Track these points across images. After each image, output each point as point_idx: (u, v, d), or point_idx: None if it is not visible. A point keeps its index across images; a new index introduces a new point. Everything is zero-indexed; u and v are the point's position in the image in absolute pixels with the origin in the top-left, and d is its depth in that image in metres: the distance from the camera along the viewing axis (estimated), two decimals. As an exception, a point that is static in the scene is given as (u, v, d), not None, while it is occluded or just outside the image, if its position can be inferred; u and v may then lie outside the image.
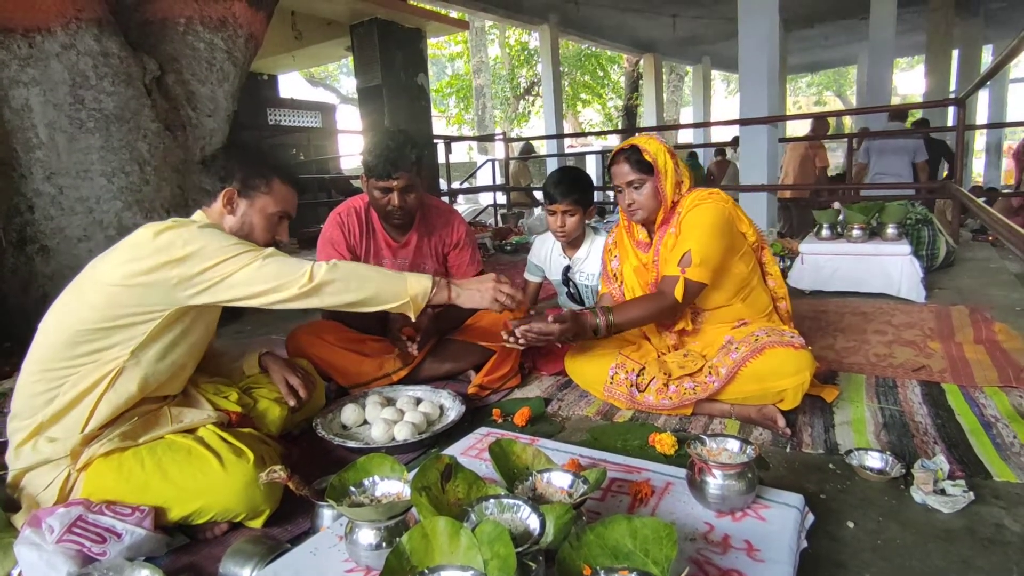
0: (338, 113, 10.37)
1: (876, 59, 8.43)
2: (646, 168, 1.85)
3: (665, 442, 1.61)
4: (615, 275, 2.11)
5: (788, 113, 12.25)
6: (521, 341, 1.72)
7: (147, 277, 1.29)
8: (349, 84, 20.01)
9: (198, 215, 1.52)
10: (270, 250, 1.39)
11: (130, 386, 1.33)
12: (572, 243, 2.40)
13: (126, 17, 3.15)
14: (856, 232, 3.49)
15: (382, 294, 1.44)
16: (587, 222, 2.39)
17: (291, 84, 20.25)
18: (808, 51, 13.56)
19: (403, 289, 1.46)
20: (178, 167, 3.17)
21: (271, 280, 1.33)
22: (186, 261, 1.30)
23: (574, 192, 2.27)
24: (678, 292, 1.78)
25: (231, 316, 3.62)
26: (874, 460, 1.49)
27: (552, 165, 10.73)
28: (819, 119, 7.02)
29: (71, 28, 2.79)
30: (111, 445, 1.29)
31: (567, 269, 2.43)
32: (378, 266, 1.48)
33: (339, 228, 2.17)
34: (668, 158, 1.87)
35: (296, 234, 7.73)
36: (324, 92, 19.80)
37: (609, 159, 1.95)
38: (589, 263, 2.39)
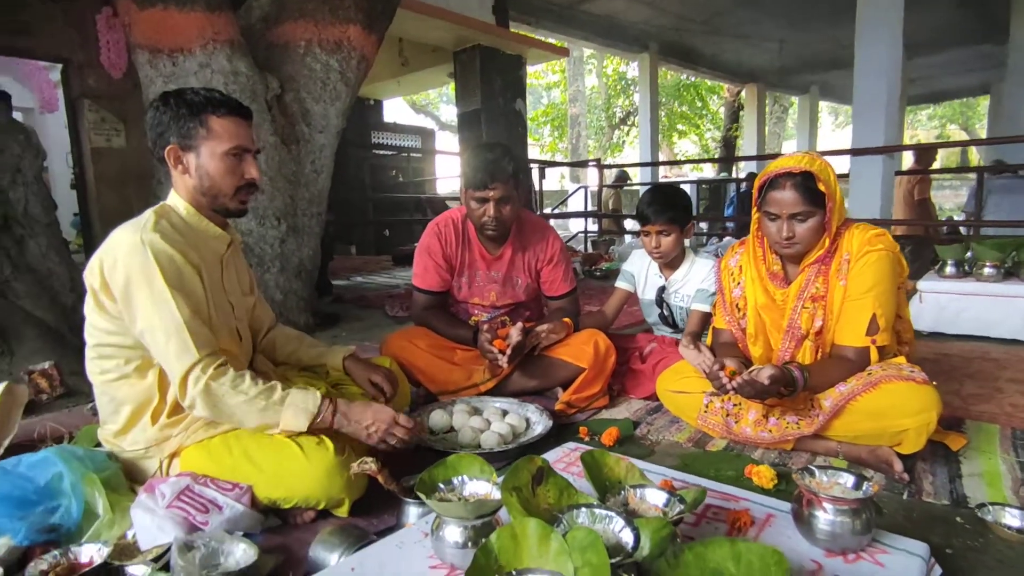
0: (437, 138, 10.79)
1: (1015, 89, 7.72)
2: (818, 200, 1.60)
3: (764, 475, 1.50)
4: (738, 306, 1.87)
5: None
6: (733, 384, 1.57)
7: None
8: (448, 112, 20.78)
9: (170, 195, 1.45)
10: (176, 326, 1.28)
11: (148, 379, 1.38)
12: (670, 264, 2.31)
13: (254, 40, 3.43)
14: (988, 270, 3.17)
15: (247, 424, 1.34)
16: (686, 241, 2.31)
17: (395, 109, 21.32)
18: (932, 79, 12.67)
19: (274, 424, 1.34)
20: (291, 179, 3.39)
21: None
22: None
23: (668, 211, 2.19)
24: (874, 362, 1.65)
25: (328, 323, 3.80)
26: (1013, 518, 1.33)
27: (646, 194, 10.56)
28: (924, 151, 6.57)
29: (208, 49, 3.07)
30: (197, 436, 1.37)
31: (662, 290, 2.35)
32: (263, 393, 1.32)
33: (436, 238, 2.22)
34: (838, 185, 1.64)
35: (391, 252, 8.06)
36: (424, 119, 20.67)
37: (764, 180, 1.66)
38: (687, 285, 2.29)
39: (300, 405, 1.34)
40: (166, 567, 1.08)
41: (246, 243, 3.22)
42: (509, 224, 2.16)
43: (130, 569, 1.10)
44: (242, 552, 1.11)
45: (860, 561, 1.06)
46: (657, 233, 2.22)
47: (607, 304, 2.52)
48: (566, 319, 2.21)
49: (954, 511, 1.41)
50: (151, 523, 1.14)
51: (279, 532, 1.32)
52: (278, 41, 3.44)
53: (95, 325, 1.36)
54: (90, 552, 1.13)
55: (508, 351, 1.97)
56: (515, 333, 2.00)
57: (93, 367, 1.40)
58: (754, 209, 1.74)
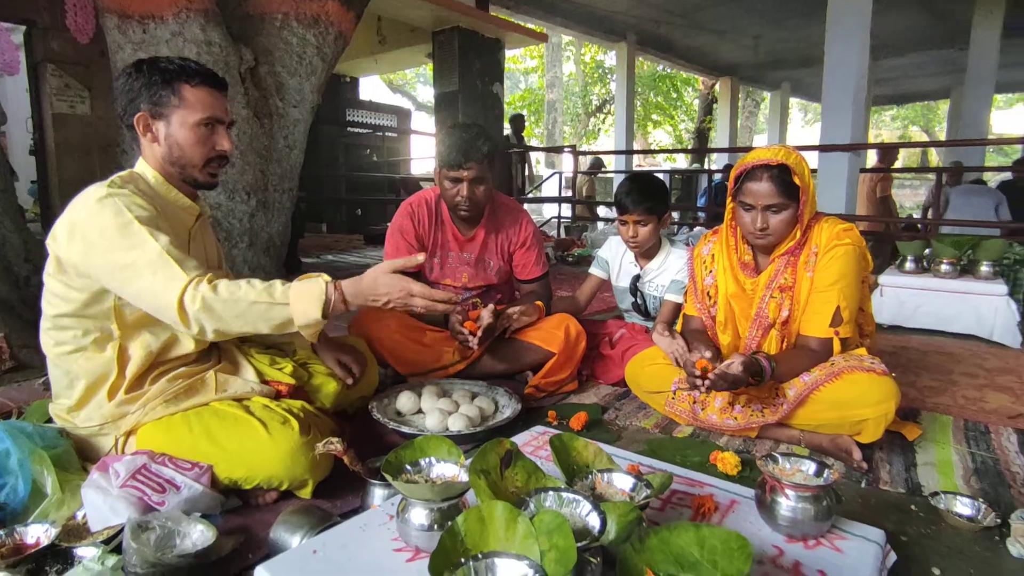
0: (413, 118, 10.64)
1: (973, 92, 7.95)
2: (792, 193, 1.62)
3: (728, 461, 1.53)
4: (709, 294, 1.88)
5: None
6: (705, 384, 1.56)
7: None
8: (425, 93, 20.50)
9: (138, 163, 1.42)
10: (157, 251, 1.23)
11: (108, 353, 1.34)
12: (645, 253, 2.31)
13: (229, 10, 3.31)
14: (945, 267, 3.27)
15: (262, 329, 1.28)
16: (662, 231, 2.31)
17: (371, 87, 20.98)
18: (896, 81, 12.99)
19: (288, 322, 1.28)
20: (262, 153, 3.30)
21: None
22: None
23: (647, 200, 2.18)
24: (837, 353, 1.68)
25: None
26: (964, 506, 1.37)
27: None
28: (887, 150, 6.77)
29: (181, 17, 2.95)
30: (156, 413, 1.33)
31: (636, 278, 2.35)
32: (264, 292, 1.26)
33: (409, 218, 2.19)
34: (812, 179, 1.67)
35: (363, 231, 7.95)
36: (401, 99, 20.35)
37: (741, 170, 1.67)
38: (662, 275, 2.29)
39: (307, 295, 1.27)
40: (118, 549, 1.03)
41: (214, 217, 3.12)
42: (483, 205, 2.14)
43: (79, 551, 1.05)
44: (200, 534, 1.08)
45: (820, 547, 1.07)
46: (634, 223, 2.21)
47: (580, 290, 2.52)
48: (538, 303, 2.20)
49: (909, 499, 1.45)
50: (103, 503, 1.10)
51: (239, 513, 1.29)
52: (254, 12, 3.33)
53: (55, 293, 1.31)
54: (37, 533, 1.08)
55: (479, 333, 1.95)
56: (486, 315, 1.98)
57: (48, 339, 1.34)
58: (729, 199, 1.75)
